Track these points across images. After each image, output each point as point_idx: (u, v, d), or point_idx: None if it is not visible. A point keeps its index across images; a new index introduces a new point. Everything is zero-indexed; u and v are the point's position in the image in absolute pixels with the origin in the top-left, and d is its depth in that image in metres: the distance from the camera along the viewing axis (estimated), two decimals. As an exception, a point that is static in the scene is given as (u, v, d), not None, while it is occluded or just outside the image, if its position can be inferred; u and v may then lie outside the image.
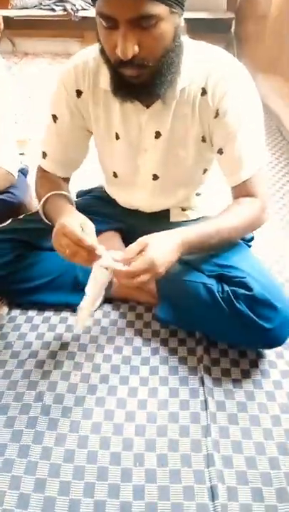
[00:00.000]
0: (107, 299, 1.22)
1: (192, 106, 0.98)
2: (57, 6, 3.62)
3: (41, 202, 1.07)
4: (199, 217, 1.18)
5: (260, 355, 1.08)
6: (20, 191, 1.41)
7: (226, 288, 1.00)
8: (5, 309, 1.20)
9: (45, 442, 0.88)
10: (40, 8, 3.65)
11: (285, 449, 0.88)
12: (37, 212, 1.32)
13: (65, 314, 1.19)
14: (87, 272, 1.16)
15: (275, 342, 1.00)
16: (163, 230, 0.94)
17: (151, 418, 0.94)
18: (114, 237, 1.23)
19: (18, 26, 3.83)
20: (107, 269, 0.90)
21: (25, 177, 1.51)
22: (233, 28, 3.62)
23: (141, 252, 0.88)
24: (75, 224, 0.90)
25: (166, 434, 0.91)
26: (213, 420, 0.93)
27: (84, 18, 3.61)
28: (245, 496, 0.81)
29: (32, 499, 0.79)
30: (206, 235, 0.96)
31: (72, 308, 1.20)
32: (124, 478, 0.83)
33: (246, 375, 1.03)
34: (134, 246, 0.89)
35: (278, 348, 1.08)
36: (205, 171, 1.11)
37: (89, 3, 3.61)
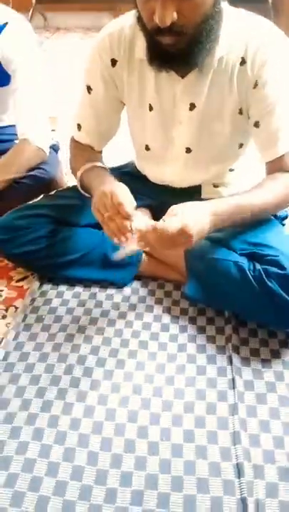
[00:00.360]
0: (136, 276, 1.22)
1: (230, 76, 0.95)
2: (89, -22, 3.55)
3: (79, 173, 1.07)
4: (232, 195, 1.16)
5: (291, 336, 1.06)
6: (52, 167, 1.41)
7: (258, 266, 0.98)
8: (36, 284, 1.22)
9: (73, 414, 0.90)
10: (72, -19, 3.58)
11: (314, 431, 0.87)
12: (68, 188, 1.34)
13: (94, 290, 1.20)
14: (116, 249, 1.17)
15: (306, 322, 0.98)
16: None
17: (179, 394, 0.94)
18: (144, 214, 1.22)
19: (49, 1, 3.79)
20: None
21: (56, 153, 1.51)
22: (271, -2, 3.47)
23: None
24: (117, 190, 0.91)
25: (192, 410, 0.91)
26: (240, 399, 0.92)
27: (116, -11, 3.53)
28: (271, 475, 0.81)
29: (61, 467, 0.82)
30: (238, 209, 0.95)
31: (102, 284, 1.21)
32: (150, 451, 0.84)
33: (276, 355, 1.02)
34: (169, 215, 0.88)
35: (309, 329, 1.06)
36: (241, 145, 1.08)
37: (121, -25, 3.52)
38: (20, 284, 1.25)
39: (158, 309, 1.15)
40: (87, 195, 1.06)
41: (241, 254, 1.02)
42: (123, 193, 0.91)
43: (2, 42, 1.26)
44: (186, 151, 1.08)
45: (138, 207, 1.21)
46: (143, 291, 1.20)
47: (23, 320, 1.12)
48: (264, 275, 0.96)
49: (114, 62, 1.02)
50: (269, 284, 0.95)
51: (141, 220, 0.90)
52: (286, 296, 0.93)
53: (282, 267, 0.95)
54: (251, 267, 0.99)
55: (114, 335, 1.07)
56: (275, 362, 1.01)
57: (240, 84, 0.96)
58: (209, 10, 0.83)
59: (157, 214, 1.17)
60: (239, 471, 0.81)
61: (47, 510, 0.76)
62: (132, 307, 1.15)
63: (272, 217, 1.13)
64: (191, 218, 0.86)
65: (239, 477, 0.80)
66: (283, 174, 0.99)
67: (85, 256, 1.17)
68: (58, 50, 3.42)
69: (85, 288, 1.21)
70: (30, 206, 1.21)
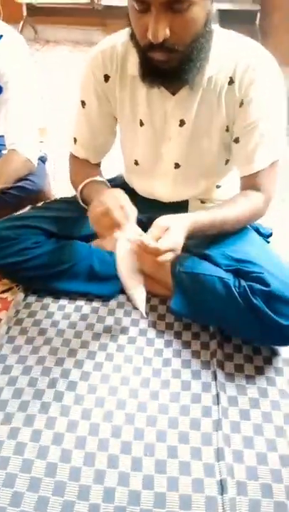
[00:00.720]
0: (122, 290, 1.22)
1: (218, 95, 0.98)
2: (80, -7, 3.60)
3: (79, 187, 1.09)
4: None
5: (275, 353, 1.07)
6: (40, 179, 1.41)
7: (243, 283, 0.99)
8: (21, 295, 1.21)
9: (56, 428, 0.89)
10: (64, -4, 3.63)
11: (297, 447, 0.88)
12: (56, 200, 1.34)
13: (79, 303, 1.20)
14: (102, 262, 1.18)
15: (290, 339, 0.99)
16: None
17: (163, 409, 0.94)
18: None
19: (40, 13, 3.83)
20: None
21: (44, 164, 1.52)
22: (258, 20, 3.57)
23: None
24: (124, 194, 0.94)
25: (177, 426, 0.91)
26: (224, 415, 0.93)
27: (107, 6, 3.59)
28: (254, 492, 0.81)
29: (43, 482, 0.80)
30: (212, 225, 0.99)
31: (87, 297, 1.21)
32: (134, 467, 0.84)
33: (260, 371, 1.03)
34: (157, 228, 0.91)
35: (293, 346, 1.08)
36: (227, 161, 1.10)
37: (112, -8, 3.58)
38: (4, 295, 1.24)
39: (143, 323, 1.15)
40: (86, 207, 1.07)
41: (227, 271, 1.03)
42: (124, 196, 0.95)
43: None
44: (175, 167, 1.10)
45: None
46: (129, 305, 1.20)
47: (7, 332, 1.11)
48: (249, 292, 0.97)
49: (106, 77, 1.03)
50: (254, 300, 0.96)
51: (134, 231, 0.92)
52: (270, 313, 0.94)
53: (266, 284, 0.96)
54: (236, 284, 1.00)
55: (99, 349, 1.07)
56: (259, 378, 1.01)
57: (228, 103, 0.98)
58: (200, 29, 0.86)
59: (144, 228, 1.19)
60: (222, 487, 0.81)
61: (27, 528, 0.74)
62: (118, 321, 1.15)
63: (258, 234, 1.16)
64: (180, 236, 0.89)
65: (222, 494, 0.80)
66: (255, 193, 1.03)
67: (71, 268, 1.17)
68: (48, 63, 3.44)
69: (70, 300, 1.20)
70: (17, 217, 1.21)
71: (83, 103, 1.09)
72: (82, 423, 0.91)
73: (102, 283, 1.19)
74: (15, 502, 0.78)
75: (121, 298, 1.22)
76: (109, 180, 1.36)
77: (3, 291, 1.25)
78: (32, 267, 1.14)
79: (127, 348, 1.07)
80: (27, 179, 1.38)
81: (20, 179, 1.36)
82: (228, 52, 0.95)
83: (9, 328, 1.12)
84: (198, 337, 1.11)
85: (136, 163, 1.14)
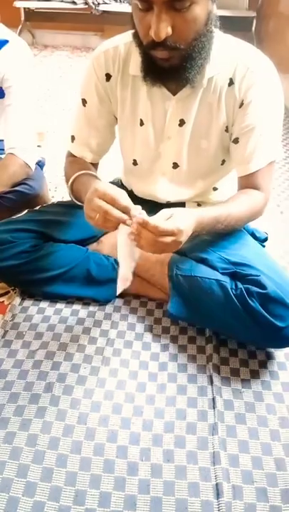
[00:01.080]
0: (119, 294, 1.22)
1: (218, 96, 1.00)
2: (78, -1, 3.62)
3: (70, 180, 1.08)
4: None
5: (270, 357, 1.08)
6: (37, 183, 1.42)
7: (240, 285, 1.00)
8: (17, 299, 1.21)
9: (53, 432, 0.89)
10: (62, 1, 3.65)
11: (292, 451, 0.88)
12: (53, 204, 1.34)
13: (76, 307, 1.20)
14: (99, 266, 1.18)
15: (286, 341, 1.00)
16: None
17: (159, 414, 0.94)
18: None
19: (38, 18, 3.85)
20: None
21: (42, 169, 1.52)
22: (253, 26, 3.60)
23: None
24: (110, 186, 0.88)
25: (173, 430, 0.91)
26: (220, 419, 0.93)
27: (104, 12, 3.61)
28: (250, 496, 0.81)
29: (39, 488, 0.80)
30: (217, 220, 0.98)
31: (84, 301, 1.21)
32: (130, 471, 0.84)
33: (255, 375, 1.03)
34: (160, 215, 0.87)
35: (288, 350, 1.08)
36: (223, 161, 1.12)
37: (110, -3, 3.61)
38: (0, 299, 1.24)
39: (140, 327, 1.15)
40: (78, 203, 1.07)
41: (223, 274, 1.04)
42: (114, 189, 0.88)
43: (1, 58, 1.28)
44: (174, 167, 1.11)
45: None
46: (125, 309, 1.20)
47: (3, 336, 1.11)
48: (246, 294, 0.98)
49: (108, 76, 1.05)
50: (251, 303, 0.97)
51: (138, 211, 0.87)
52: (267, 315, 0.95)
53: (263, 287, 0.97)
54: (233, 286, 1.01)
55: (96, 353, 1.07)
56: (254, 382, 1.02)
57: (228, 104, 1.00)
58: (202, 28, 0.88)
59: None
60: (218, 491, 0.81)
61: (23, 533, 0.74)
62: (114, 325, 1.15)
63: (253, 238, 1.17)
64: (184, 222, 0.87)
65: (218, 498, 0.80)
66: (255, 192, 1.04)
67: (68, 272, 1.17)
68: (45, 67, 3.45)
69: (67, 304, 1.20)
70: (14, 221, 1.21)
71: (84, 101, 1.10)
72: (79, 427, 0.91)
73: (98, 287, 1.20)
74: (11, 507, 0.77)
75: (118, 302, 1.22)
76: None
77: (0, 295, 1.25)
78: (29, 270, 1.15)
79: (124, 352, 1.08)
80: (24, 183, 1.38)
81: (18, 183, 1.37)
82: (228, 54, 0.97)
83: (5, 332, 1.12)
84: (194, 341, 1.11)
85: (134, 162, 1.15)
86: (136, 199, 1.23)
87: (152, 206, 1.19)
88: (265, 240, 1.23)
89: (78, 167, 1.10)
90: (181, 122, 1.04)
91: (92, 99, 1.08)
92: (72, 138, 1.15)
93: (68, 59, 3.71)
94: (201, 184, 1.15)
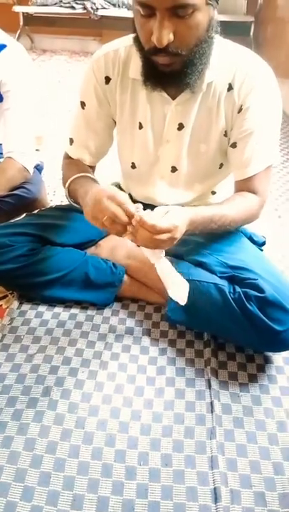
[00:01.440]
0: (117, 298, 1.22)
1: (218, 100, 1.00)
2: (77, 4, 3.64)
3: (68, 181, 1.08)
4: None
5: (268, 361, 1.08)
6: (35, 187, 1.42)
7: (238, 289, 1.00)
8: (15, 303, 1.21)
9: (50, 436, 0.89)
10: (60, 6, 3.67)
11: (290, 455, 0.88)
12: (51, 207, 1.34)
13: (74, 310, 1.20)
14: (97, 269, 1.18)
15: (284, 345, 1.00)
16: None
17: (157, 418, 0.94)
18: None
19: (37, 23, 3.86)
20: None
21: (40, 173, 1.52)
22: (251, 31, 3.62)
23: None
24: (117, 190, 0.91)
25: (171, 434, 0.91)
26: (218, 423, 0.93)
27: (103, 17, 3.63)
28: (248, 500, 0.81)
29: (36, 492, 0.80)
30: (211, 219, 0.99)
31: (82, 304, 1.21)
32: (128, 476, 0.84)
33: (253, 379, 1.03)
34: (156, 212, 0.89)
35: (286, 354, 1.08)
36: (221, 165, 1.12)
37: (109, 2, 3.62)
38: (-1, 303, 1.24)
39: (138, 331, 1.15)
40: (75, 205, 1.07)
41: (222, 277, 1.04)
42: (121, 193, 0.90)
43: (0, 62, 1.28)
44: (172, 170, 1.11)
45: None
46: (123, 313, 1.20)
47: (1, 340, 1.10)
48: (244, 298, 0.98)
49: (108, 79, 1.05)
50: (249, 306, 0.97)
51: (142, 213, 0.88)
52: (265, 319, 0.95)
53: (261, 290, 0.97)
54: (231, 290, 1.01)
55: (94, 357, 1.07)
56: (252, 386, 1.02)
57: (227, 109, 1.01)
58: (203, 34, 0.88)
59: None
60: (216, 495, 0.81)
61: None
62: (112, 329, 1.15)
63: (251, 242, 1.17)
64: (179, 219, 0.88)
65: (216, 502, 0.80)
66: (251, 195, 1.05)
67: (66, 276, 1.17)
68: (44, 72, 3.47)
69: (65, 308, 1.20)
70: (12, 224, 1.21)
71: (83, 104, 1.10)
72: (76, 432, 0.90)
73: (97, 291, 1.20)
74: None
75: (116, 306, 1.22)
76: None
77: (-2, 299, 1.25)
78: (27, 274, 1.15)
79: (122, 356, 1.08)
80: (23, 187, 1.38)
81: (16, 187, 1.37)
82: (228, 60, 0.98)
83: (3, 336, 1.12)
84: (192, 345, 1.11)
85: (133, 166, 1.15)
86: (134, 202, 1.23)
87: (151, 209, 1.20)
88: (263, 243, 1.23)
89: (76, 169, 1.11)
90: (180, 126, 1.04)
91: (91, 101, 1.09)
92: (71, 140, 1.15)
93: (67, 63, 3.72)
94: (200, 188, 1.16)
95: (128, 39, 1.00)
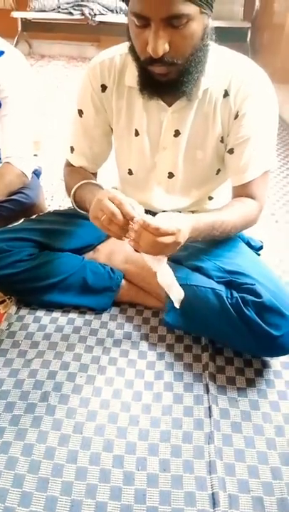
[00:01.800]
0: (115, 302, 1.22)
1: (214, 107, 1.01)
2: (75, 10, 3.66)
3: (74, 189, 1.09)
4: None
5: (266, 365, 1.08)
6: (33, 192, 1.42)
7: (235, 294, 1.00)
8: (13, 308, 1.21)
9: (49, 442, 0.89)
10: (58, 12, 3.68)
11: (288, 460, 0.88)
12: (49, 212, 1.35)
13: (72, 315, 1.20)
14: (95, 274, 1.18)
15: (282, 350, 1.00)
16: None
17: (155, 423, 0.94)
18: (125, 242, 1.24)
19: (35, 29, 3.88)
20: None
21: (38, 178, 1.53)
22: (248, 37, 3.64)
23: None
24: (120, 193, 0.91)
25: (169, 439, 0.91)
26: (216, 428, 0.93)
27: (101, 22, 3.65)
28: (246, 505, 0.81)
29: (34, 498, 0.80)
30: (212, 226, 0.99)
31: (80, 309, 1.21)
32: (126, 481, 0.84)
33: (251, 384, 1.04)
34: (160, 216, 0.89)
35: (284, 358, 1.08)
36: (218, 171, 1.13)
37: (107, 8, 3.65)
38: (-3, 308, 1.24)
39: (136, 336, 1.15)
40: (82, 212, 1.08)
41: (219, 282, 1.05)
42: (123, 196, 0.91)
43: None
44: (169, 176, 1.12)
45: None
46: (121, 318, 1.20)
47: (-1, 345, 1.11)
48: (241, 303, 0.98)
49: (104, 87, 1.06)
50: (246, 311, 0.97)
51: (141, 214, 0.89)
52: (262, 324, 0.96)
53: (258, 295, 0.98)
54: (229, 295, 1.02)
55: (92, 361, 1.07)
56: (250, 391, 1.02)
57: (223, 115, 1.02)
58: (198, 43, 0.89)
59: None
60: (214, 500, 0.81)
61: None
62: (110, 333, 1.15)
63: (249, 247, 1.17)
64: (181, 225, 0.88)
65: (214, 507, 0.80)
66: (250, 200, 1.05)
67: (64, 281, 1.17)
68: (42, 77, 3.48)
69: (63, 313, 1.21)
70: (10, 230, 1.21)
71: (80, 112, 1.11)
72: (74, 437, 0.90)
73: (95, 295, 1.20)
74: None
75: (114, 310, 1.22)
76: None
77: (-4, 304, 1.25)
78: (25, 279, 1.15)
79: (120, 361, 1.08)
80: (21, 192, 1.39)
81: (14, 192, 1.37)
82: (223, 66, 0.98)
83: (1, 341, 1.11)
84: (190, 350, 1.11)
85: (130, 172, 1.16)
86: None
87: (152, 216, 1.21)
88: (261, 248, 1.23)
89: (79, 176, 1.12)
90: (177, 133, 1.05)
91: (89, 109, 1.09)
92: (72, 148, 1.16)
93: (64, 69, 3.74)
94: (197, 193, 1.16)
95: (124, 46, 1.01)
